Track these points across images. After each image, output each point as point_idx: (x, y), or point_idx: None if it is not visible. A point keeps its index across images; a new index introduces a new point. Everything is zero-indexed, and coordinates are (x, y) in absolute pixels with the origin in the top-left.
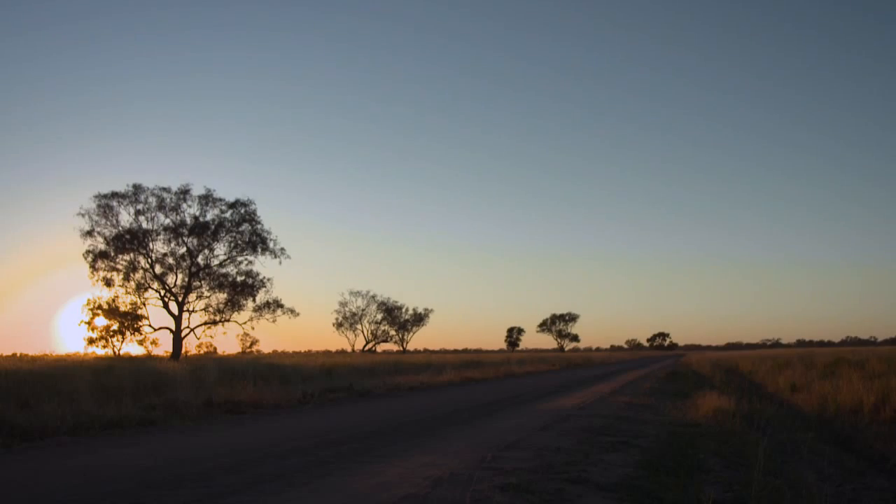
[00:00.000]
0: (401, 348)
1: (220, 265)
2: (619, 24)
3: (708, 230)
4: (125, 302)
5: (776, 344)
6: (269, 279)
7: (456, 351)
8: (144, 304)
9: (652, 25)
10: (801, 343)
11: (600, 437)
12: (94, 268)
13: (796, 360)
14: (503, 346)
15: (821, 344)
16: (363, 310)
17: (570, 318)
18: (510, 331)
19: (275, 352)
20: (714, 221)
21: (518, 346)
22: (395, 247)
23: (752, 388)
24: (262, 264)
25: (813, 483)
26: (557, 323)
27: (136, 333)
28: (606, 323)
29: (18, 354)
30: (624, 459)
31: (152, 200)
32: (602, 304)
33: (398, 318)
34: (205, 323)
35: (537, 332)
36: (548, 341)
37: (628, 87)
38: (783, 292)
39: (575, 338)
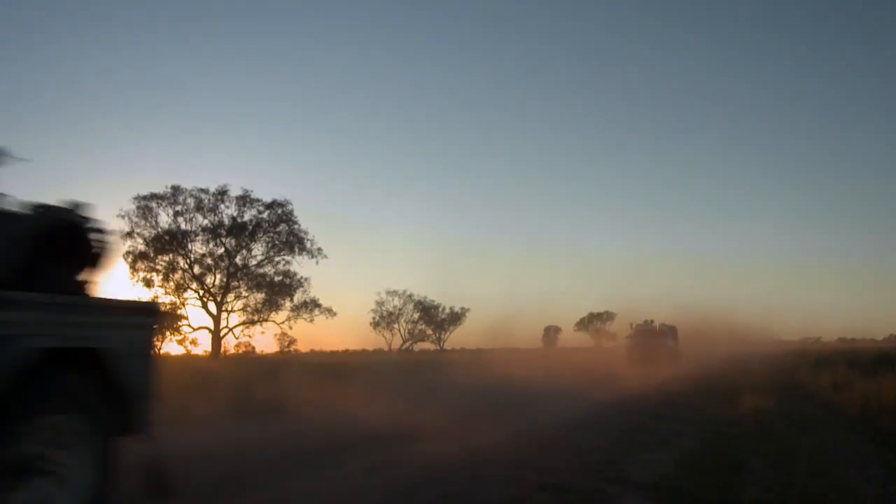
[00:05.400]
0: (438, 347)
1: (258, 265)
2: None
3: (745, 227)
4: (165, 302)
5: (817, 341)
6: (306, 279)
7: (493, 350)
8: (184, 305)
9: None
10: (842, 340)
11: (638, 435)
12: (134, 269)
13: (838, 358)
14: (540, 344)
15: (863, 341)
16: (400, 309)
17: (608, 316)
18: (547, 329)
19: (312, 351)
20: (750, 218)
21: (555, 344)
22: (432, 245)
23: (792, 387)
24: (299, 264)
25: (857, 484)
26: (595, 322)
27: (176, 333)
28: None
29: None
30: (663, 458)
31: (191, 202)
32: (641, 301)
33: (435, 318)
34: (243, 323)
35: (574, 331)
36: (584, 340)
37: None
38: (824, 289)
39: (612, 337)
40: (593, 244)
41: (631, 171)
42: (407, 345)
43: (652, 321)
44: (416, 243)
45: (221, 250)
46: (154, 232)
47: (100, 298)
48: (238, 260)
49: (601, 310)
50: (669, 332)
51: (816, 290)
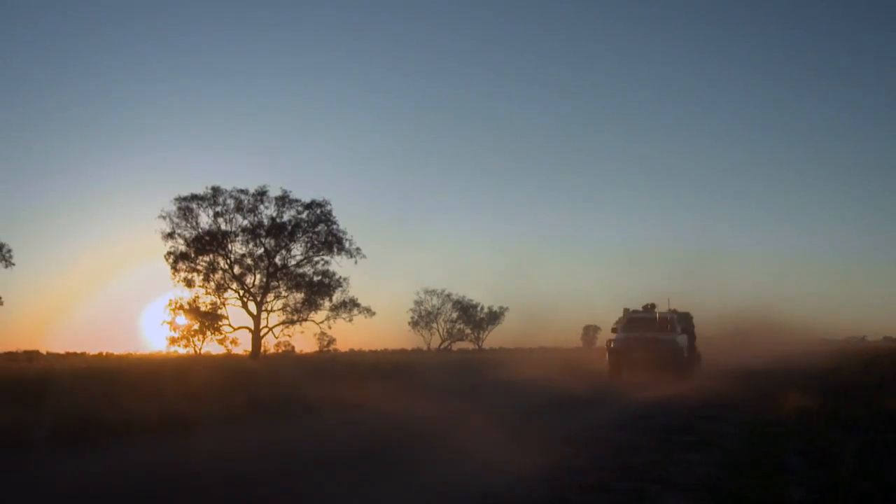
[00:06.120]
0: (476, 346)
1: (297, 265)
2: None
3: (788, 225)
4: (205, 302)
5: (862, 340)
6: (345, 279)
7: (531, 349)
8: (224, 304)
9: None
10: (888, 339)
11: (680, 435)
12: (175, 269)
13: (884, 357)
14: (579, 344)
15: None
16: (438, 308)
17: None
18: (586, 329)
19: (351, 350)
20: (797, 214)
21: (594, 343)
22: (469, 244)
23: (836, 386)
24: (337, 264)
25: None
26: None
27: (217, 333)
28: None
29: (105, 354)
30: (705, 459)
31: (230, 202)
32: (679, 300)
33: (473, 317)
34: (282, 322)
35: (613, 330)
36: None
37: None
38: (869, 287)
39: None
40: (631, 241)
41: (668, 165)
42: (445, 344)
43: (653, 306)
44: (455, 242)
45: (261, 250)
46: (195, 233)
47: None
48: (277, 260)
49: (639, 307)
50: (678, 323)
51: (862, 288)
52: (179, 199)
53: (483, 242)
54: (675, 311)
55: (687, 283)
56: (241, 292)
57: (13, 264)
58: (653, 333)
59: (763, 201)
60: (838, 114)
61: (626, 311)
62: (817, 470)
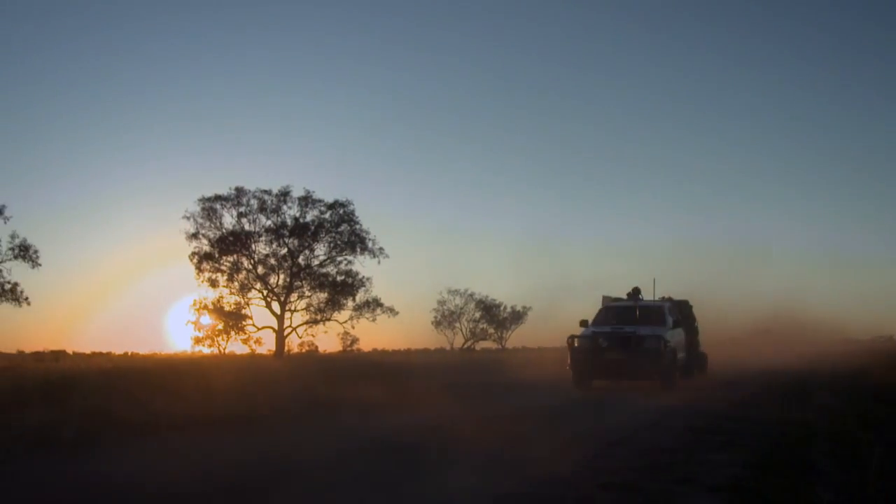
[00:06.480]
0: (499, 346)
1: (321, 265)
2: None
3: (814, 219)
4: (229, 302)
5: (889, 339)
6: (368, 278)
7: (556, 349)
8: (248, 304)
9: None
10: None
11: (706, 435)
12: (199, 269)
13: None
14: None
15: None
16: (461, 308)
17: None
18: None
19: (374, 350)
20: (820, 210)
21: None
22: (493, 243)
23: (864, 387)
24: (360, 264)
25: None
26: None
27: (241, 333)
28: (714, 317)
29: (130, 353)
30: (731, 459)
31: (254, 203)
32: (704, 298)
33: (496, 317)
34: (306, 322)
35: (581, 324)
36: None
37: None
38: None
39: None
40: (656, 237)
41: (695, 161)
42: (468, 344)
43: (637, 292)
44: (478, 241)
45: (284, 250)
46: (219, 233)
47: None
48: (301, 260)
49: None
50: (670, 314)
51: (889, 286)
52: (203, 200)
53: (508, 240)
54: (669, 299)
55: (719, 280)
56: (265, 292)
57: (40, 265)
58: (632, 327)
59: (786, 196)
60: (874, 109)
61: (604, 298)
62: (845, 471)
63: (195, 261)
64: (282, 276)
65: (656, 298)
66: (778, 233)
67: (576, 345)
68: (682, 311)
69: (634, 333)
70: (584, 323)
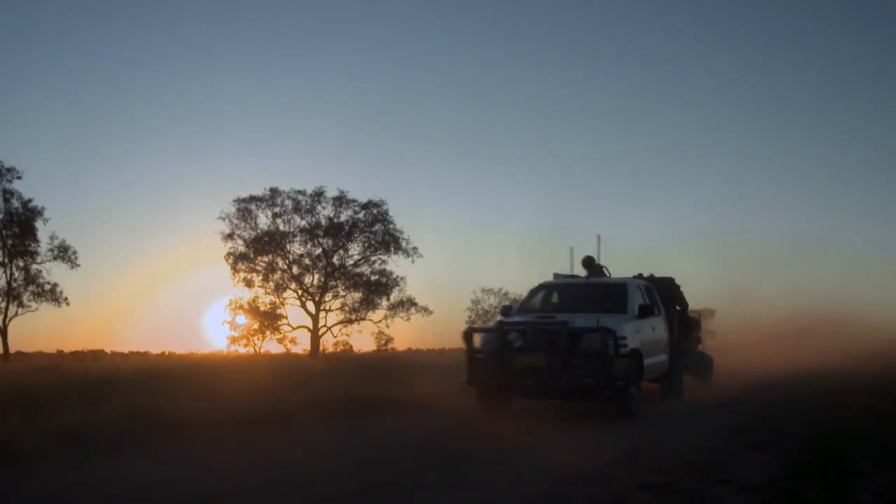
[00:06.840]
0: None
1: (355, 265)
2: None
3: (859, 216)
4: (265, 302)
5: None
6: (402, 278)
7: None
8: (283, 304)
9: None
10: None
11: (743, 435)
12: (234, 269)
13: None
14: None
15: None
16: (495, 307)
17: (707, 313)
18: None
19: (409, 349)
20: (865, 206)
21: None
22: (525, 241)
23: None
24: (395, 263)
25: None
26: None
27: (276, 332)
28: (736, 318)
29: (167, 353)
30: (769, 460)
31: (288, 203)
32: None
33: None
34: (341, 321)
35: (503, 312)
36: None
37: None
38: None
39: (713, 335)
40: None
41: (740, 156)
42: None
43: (591, 261)
44: (511, 240)
45: (319, 250)
46: (254, 233)
47: None
48: (335, 260)
49: (700, 306)
50: (638, 295)
51: None
52: (238, 201)
53: (536, 239)
54: (642, 276)
55: (768, 278)
56: (300, 292)
57: (78, 265)
58: (567, 316)
59: (832, 191)
60: None
61: (556, 276)
62: (886, 473)
63: (230, 261)
64: (316, 276)
65: (609, 268)
66: (834, 232)
67: (475, 343)
68: (665, 292)
69: (566, 326)
70: (505, 311)
